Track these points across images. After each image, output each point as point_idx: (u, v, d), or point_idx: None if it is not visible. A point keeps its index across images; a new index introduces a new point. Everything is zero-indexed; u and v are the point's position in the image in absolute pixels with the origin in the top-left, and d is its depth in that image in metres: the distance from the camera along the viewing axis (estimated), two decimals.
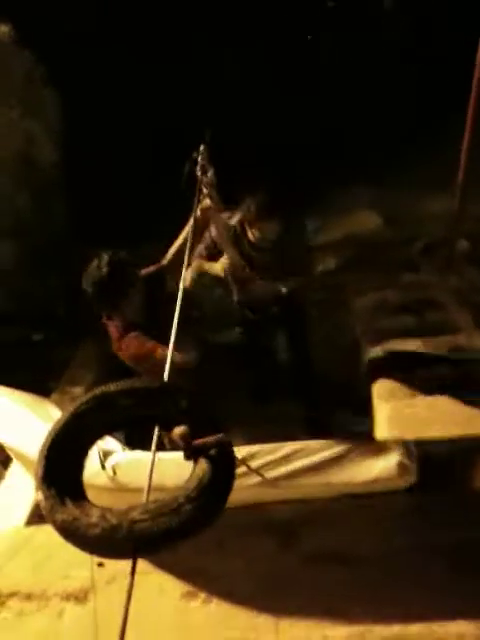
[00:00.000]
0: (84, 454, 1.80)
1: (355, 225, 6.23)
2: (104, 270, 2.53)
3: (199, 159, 2.76)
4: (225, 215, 3.10)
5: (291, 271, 3.06)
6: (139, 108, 6.45)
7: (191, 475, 1.71)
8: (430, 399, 3.18)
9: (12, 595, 2.47)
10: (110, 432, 2.01)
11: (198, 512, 1.63)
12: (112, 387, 1.78)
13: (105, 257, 2.57)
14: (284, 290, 3.08)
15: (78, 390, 3.85)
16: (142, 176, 6.30)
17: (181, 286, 2.26)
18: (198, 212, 2.70)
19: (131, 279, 2.61)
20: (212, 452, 1.71)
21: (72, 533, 1.61)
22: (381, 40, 7.69)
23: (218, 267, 3.04)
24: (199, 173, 2.74)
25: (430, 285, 4.93)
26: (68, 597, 2.44)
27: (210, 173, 2.76)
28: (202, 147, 2.79)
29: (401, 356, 3.12)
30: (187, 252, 2.40)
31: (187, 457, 1.75)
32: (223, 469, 1.71)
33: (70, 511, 1.61)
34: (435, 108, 6.74)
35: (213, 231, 3.05)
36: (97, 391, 1.78)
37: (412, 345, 3.92)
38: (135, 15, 6.45)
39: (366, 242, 5.83)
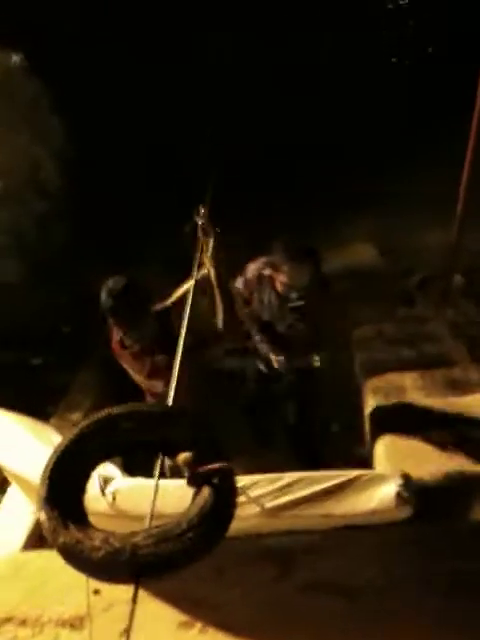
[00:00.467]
0: (86, 477, 1.81)
1: (352, 257, 6.30)
2: (123, 283, 2.67)
3: (199, 222, 2.72)
4: (252, 267, 3.14)
5: (324, 334, 3.10)
6: (142, 133, 6.56)
7: (193, 502, 1.72)
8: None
9: (7, 621, 2.44)
10: (113, 456, 2.01)
11: (200, 539, 1.64)
12: (116, 410, 1.80)
13: (122, 276, 2.71)
14: (317, 363, 3.12)
15: (77, 415, 3.87)
16: (144, 199, 6.37)
17: (186, 313, 2.30)
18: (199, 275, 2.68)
19: (148, 297, 2.71)
20: (215, 480, 1.72)
21: (74, 556, 1.62)
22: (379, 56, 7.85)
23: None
24: (200, 235, 2.71)
25: (426, 318, 5.00)
26: (63, 624, 2.41)
27: (211, 239, 2.71)
28: (202, 210, 2.75)
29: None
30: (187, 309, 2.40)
31: (190, 484, 1.77)
32: (225, 497, 1.73)
33: (73, 534, 1.62)
34: (435, 138, 6.85)
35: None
36: (101, 414, 1.79)
37: (409, 379, 3.99)
38: (139, 43, 6.60)
39: (363, 274, 5.90)
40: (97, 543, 1.60)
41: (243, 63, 7.04)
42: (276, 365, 3.14)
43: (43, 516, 1.64)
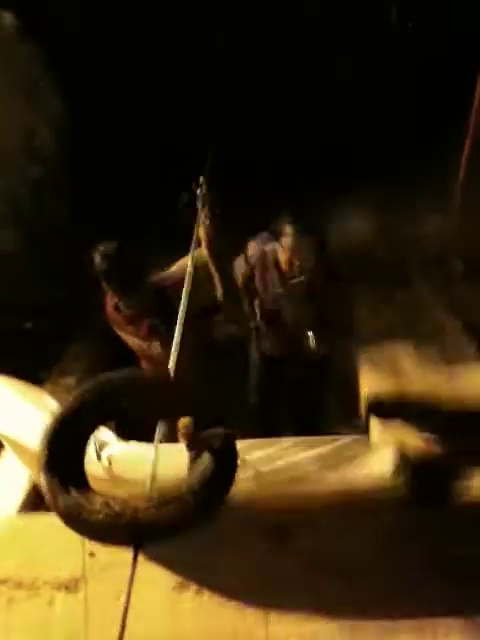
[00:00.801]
0: (85, 442, 1.81)
1: (350, 239, 6.27)
2: (117, 247, 2.71)
3: (198, 191, 2.72)
4: (253, 244, 3.09)
5: (334, 319, 3.04)
6: (141, 101, 6.45)
7: (194, 467, 1.73)
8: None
9: (2, 583, 2.46)
10: (111, 421, 2.01)
11: (201, 504, 1.65)
12: (117, 375, 1.79)
13: (114, 241, 2.73)
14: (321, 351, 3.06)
15: (71, 381, 3.86)
16: (141, 168, 6.30)
17: (187, 280, 2.29)
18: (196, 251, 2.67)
19: (141, 262, 2.73)
20: (215, 445, 1.73)
21: (75, 519, 1.63)
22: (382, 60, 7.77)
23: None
24: (199, 205, 2.71)
25: (425, 302, 5.02)
26: (59, 586, 2.43)
27: (206, 209, 2.71)
28: (202, 179, 2.75)
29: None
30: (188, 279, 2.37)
31: (190, 449, 1.77)
32: (226, 462, 1.73)
33: (73, 498, 1.63)
34: (434, 127, 6.81)
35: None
36: (100, 379, 1.78)
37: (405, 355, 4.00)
38: (143, 7, 6.45)
39: (361, 257, 5.88)
40: (97, 507, 1.61)
41: (246, 58, 6.94)
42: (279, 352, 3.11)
43: (43, 480, 1.64)
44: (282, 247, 2.94)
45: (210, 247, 2.69)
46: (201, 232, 2.65)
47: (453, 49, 6.96)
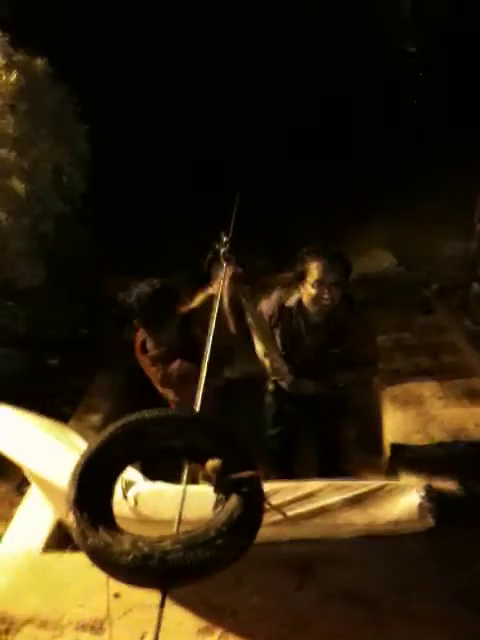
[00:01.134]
0: (114, 480, 1.82)
1: (370, 265, 6.30)
2: (155, 286, 2.66)
3: (221, 251, 2.67)
4: (266, 305, 3.03)
5: (358, 355, 2.93)
6: (165, 143, 6.62)
7: (221, 509, 1.73)
8: None
9: (27, 622, 2.45)
10: (139, 460, 2.02)
11: (228, 547, 1.64)
12: (146, 414, 1.81)
13: (155, 280, 2.71)
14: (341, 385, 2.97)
15: (95, 418, 3.89)
16: (166, 209, 6.42)
17: (216, 305, 2.32)
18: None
19: (177, 301, 2.72)
20: (243, 488, 1.73)
21: (103, 559, 1.62)
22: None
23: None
24: (223, 262, 2.66)
25: (445, 327, 4.99)
26: (83, 627, 2.42)
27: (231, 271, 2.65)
28: (224, 238, 2.70)
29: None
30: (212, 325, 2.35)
31: (218, 491, 1.77)
32: (253, 505, 1.73)
33: (102, 537, 1.62)
34: (455, 152, 6.87)
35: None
36: (131, 418, 1.79)
37: (427, 389, 3.97)
38: (164, 55, 6.68)
39: (381, 283, 5.90)
40: (126, 547, 1.60)
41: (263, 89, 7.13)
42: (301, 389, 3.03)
43: (72, 518, 1.65)
44: (309, 286, 2.79)
45: (231, 302, 2.69)
46: (215, 288, 2.65)
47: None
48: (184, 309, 2.89)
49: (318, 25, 7.44)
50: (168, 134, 6.92)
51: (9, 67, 4.22)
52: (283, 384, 3.06)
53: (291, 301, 2.96)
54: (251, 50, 7.16)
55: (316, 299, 2.81)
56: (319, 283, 2.76)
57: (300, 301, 2.93)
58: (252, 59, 7.18)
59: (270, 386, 3.18)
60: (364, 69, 7.86)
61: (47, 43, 4.81)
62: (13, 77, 4.14)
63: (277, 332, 3.00)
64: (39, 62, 4.64)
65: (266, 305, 3.03)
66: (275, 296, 3.04)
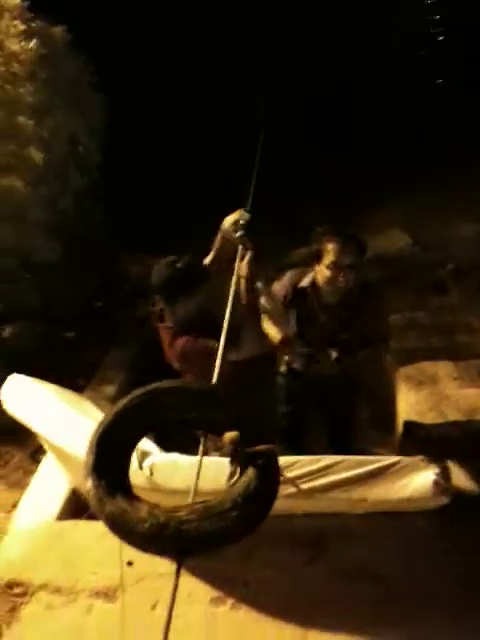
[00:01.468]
0: (132, 450, 1.82)
1: (386, 245, 6.26)
2: (180, 265, 2.59)
3: (238, 233, 2.62)
4: (278, 289, 3.00)
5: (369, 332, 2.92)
6: (181, 114, 6.56)
7: (237, 481, 1.73)
8: None
9: (42, 588, 2.49)
10: (156, 430, 2.02)
11: (243, 519, 1.65)
12: (165, 384, 1.81)
13: (185, 256, 2.64)
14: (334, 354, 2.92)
15: (110, 389, 3.91)
16: (181, 184, 6.38)
17: (233, 286, 2.30)
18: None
19: (202, 278, 2.65)
20: (260, 461, 1.73)
21: (120, 526, 1.63)
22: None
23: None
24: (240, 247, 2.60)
25: (460, 308, 4.96)
26: (97, 594, 2.45)
27: (249, 255, 2.60)
28: (242, 220, 2.64)
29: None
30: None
31: (234, 463, 1.77)
32: (269, 478, 1.73)
33: (119, 504, 1.63)
34: (470, 134, 6.79)
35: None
36: (150, 387, 1.79)
37: (442, 368, 3.95)
38: (186, 24, 6.59)
39: (396, 263, 5.86)
40: (143, 515, 1.61)
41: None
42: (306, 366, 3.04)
43: (90, 485, 1.65)
44: (324, 267, 2.79)
45: (248, 282, 2.66)
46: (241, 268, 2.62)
47: None
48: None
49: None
50: (184, 109, 6.86)
51: (28, 34, 4.17)
52: (296, 365, 3.07)
53: (305, 282, 2.94)
54: (279, 29, 7.10)
55: (331, 280, 2.80)
56: (334, 265, 2.76)
57: (314, 282, 2.91)
58: (279, 35, 7.12)
59: (282, 367, 3.17)
60: (385, 52, 7.80)
61: (65, 11, 4.75)
62: (32, 44, 4.10)
63: (291, 313, 2.99)
64: (57, 29, 4.59)
65: (279, 286, 3.02)
66: (287, 277, 3.03)
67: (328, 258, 2.76)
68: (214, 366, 2.06)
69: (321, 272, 2.82)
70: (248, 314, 2.70)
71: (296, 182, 6.66)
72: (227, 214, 2.75)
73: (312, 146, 7.12)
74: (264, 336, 2.85)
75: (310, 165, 6.92)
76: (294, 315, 2.99)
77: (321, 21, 7.49)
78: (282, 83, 6.80)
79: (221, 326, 2.18)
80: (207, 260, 2.83)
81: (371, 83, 7.71)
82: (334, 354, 2.93)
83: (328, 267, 2.77)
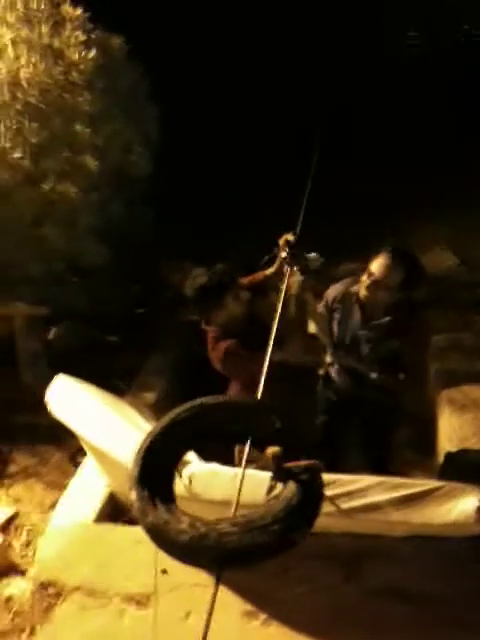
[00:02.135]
0: (175, 461, 1.84)
1: (430, 264, 6.18)
2: (210, 277, 2.70)
3: (283, 254, 2.70)
4: (335, 288, 3.03)
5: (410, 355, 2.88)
6: (233, 128, 6.62)
7: (279, 496, 1.73)
8: None
9: (76, 589, 2.52)
10: (201, 443, 2.03)
11: (284, 534, 1.65)
12: (211, 400, 1.82)
13: (219, 267, 2.74)
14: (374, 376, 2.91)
15: (150, 396, 3.94)
16: (227, 195, 6.43)
17: (282, 297, 2.32)
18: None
19: (231, 289, 2.74)
20: (303, 476, 1.72)
21: (161, 536, 1.65)
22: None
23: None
24: (286, 266, 2.67)
25: None
26: (130, 599, 2.47)
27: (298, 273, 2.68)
28: (291, 238, 2.71)
29: None
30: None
31: (276, 478, 1.77)
32: (312, 494, 1.73)
33: (161, 515, 1.65)
34: None
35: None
36: (196, 402, 1.82)
37: None
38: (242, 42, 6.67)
39: (441, 282, 5.78)
40: (183, 526, 1.62)
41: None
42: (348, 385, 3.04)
43: (134, 493, 1.68)
44: (368, 274, 2.77)
45: (296, 298, 2.70)
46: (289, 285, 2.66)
47: None
48: (246, 282, 2.93)
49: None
50: (235, 121, 6.91)
51: (88, 44, 4.26)
52: (335, 376, 3.07)
53: (355, 288, 2.93)
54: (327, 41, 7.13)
55: (368, 295, 2.81)
56: (374, 280, 2.75)
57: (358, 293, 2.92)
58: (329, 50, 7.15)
59: (321, 371, 3.16)
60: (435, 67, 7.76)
61: (125, 22, 4.84)
62: (92, 54, 4.19)
63: (335, 318, 3.00)
64: (116, 40, 4.68)
65: (333, 289, 3.05)
66: (343, 282, 3.05)
67: (370, 272, 2.76)
68: (254, 374, 2.08)
69: (363, 284, 2.82)
70: (293, 328, 2.72)
71: (342, 197, 6.64)
72: (272, 226, 2.82)
73: (362, 161, 7.10)
74: (308, 348, 2.88)
75: (360, 180, 6.90)
76: (337, 321, 3.00)
77: (372, 38, 7.48)
78: (336, 100, 6.83)
79: (266, 334, 2.20)
80: (268, 271, 2.94)
81: (419, 98, 7.67)
82: (374, 375, 2.90)
83: (368, 280, 2.77)
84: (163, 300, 5.43)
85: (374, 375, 2.89)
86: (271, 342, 2.19)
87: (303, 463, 1.74)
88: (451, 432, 3.54)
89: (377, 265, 2.73)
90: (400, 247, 2.79)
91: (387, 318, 2.84)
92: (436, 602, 2.35)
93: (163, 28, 6.33)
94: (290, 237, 2.73)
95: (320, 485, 1.77)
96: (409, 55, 7.93)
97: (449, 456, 3.28)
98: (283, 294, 2.49)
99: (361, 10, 7.37)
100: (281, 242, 2.75)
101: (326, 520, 2.37)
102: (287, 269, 2.66)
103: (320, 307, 3.06)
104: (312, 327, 2.87)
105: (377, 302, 2.83)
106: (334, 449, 3.34)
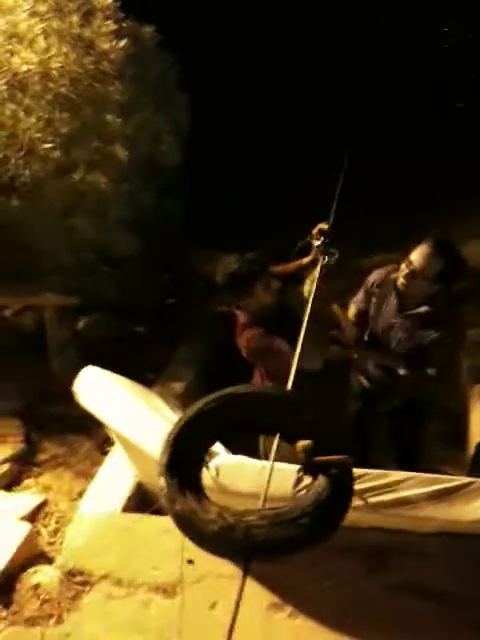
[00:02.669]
0: (205, 451, 1.83)
1: (467, 256, 6.07)
2: (241, 265, 2.69)
3: (317, 242, 2.70)
4: (377, 273, 3.00)
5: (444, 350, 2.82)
6: (264, 117, 6.58)
7: (309, 489, 1.71)
8: None
9: (103, 578, 2.54)
10: (230, 433, 2.02)
11: (313, 528, 1.63)
12: (241, 389, 1.81)
13: (250, 255, 2.73)
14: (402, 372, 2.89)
15: (178, 386, 3.94)
16: (258, 185, 6.40)
17: (308, 288, 2.29)
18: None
19: (261, 277, 2.72)
20: (333, 471, 1.70)
21: (189, 525, 1.64)
22: None
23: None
24: (320, 256, 2.67)
25: None
26: (156, 589, 2.48)
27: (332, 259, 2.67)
28: (326, 227, 2.71)
29: None
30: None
31: (306, 472, 1.75)
32: (342, 489, 1.70)
33: (189, 503, 1.64)
34: None
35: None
36: (226, 391, 1.80)
37: None
38: (275, 30, 6.61)
39: (476, 275, 5.68)
40: (212, 516, 1.61)
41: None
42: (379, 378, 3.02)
43: (163, 482, 1.67)
44: (408, 262, 2.73)
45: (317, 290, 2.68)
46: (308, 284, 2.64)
47: None
48: (278, 271, 2.90)
49: None
50: (266, 111, 6.87)
51: (118, 33, 4.25)
52: (368, 367, 3.07)
53: (394, 275, 2.89)
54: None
55: (405, 283, 2.77)
56: (411, 269, 2.71)
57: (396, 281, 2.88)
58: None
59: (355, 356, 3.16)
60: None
61: (156, 11, 4.83)
62: (122, 43, 4.18)
63: (372, 302, 2.99)
64: (147, 29, 4.66)
65: (375, 273, 3.03)
66: (386, 268, 3.01)
67: (409, 260, 2.72)
68: (279, 365, 2.06)
69: (402, 272, 2.78)
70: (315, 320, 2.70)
71: (378, 189, 6.56)
72: (304, 216, 2.82)
73: (396, 151, 7.00)
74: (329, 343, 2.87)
75: (397, 172, 6.81)
76: (373, 306, 2.99)
77: (410, 32, 7.37)
78: (370, 90, 6.74)
79: (296, 325, 2.18)
80: (304, 261, 2.92)
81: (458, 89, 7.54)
82: (402, 371, 2.87)
83: (407, 269, 2.73)
84: (193, 291, 5.43)
85: (402, 371, 2.86)
86: (301, 339, 2.16)
87: (334, 458, 1.72)
88: None
89: (417, 254, 2.69)
90: (442, 238, 2.72)
91: (424, 308, 2.79)
92: (460, 601, 2.34)
93: (194, 17, 6.30)
94: (324, 226, 2.73)
95: (350, 480, 1.74)
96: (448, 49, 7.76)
97: (478, 452, 3.23)
98: (315, 285, 2.47)
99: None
100: (314, 231, 2.73)
101: (353, 514, 2.37)
102: (322, 258, 2.65)
103: (360, 293, 3.07)
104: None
105: (415, 292, 2.79)
106: (365, 438, 3.32)
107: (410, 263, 2.71)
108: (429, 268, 2.67)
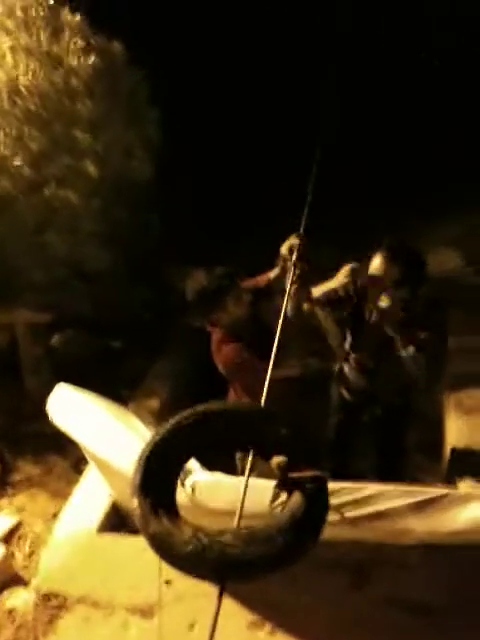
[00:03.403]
0: (179, 469, 1.80)
1: (435, 264, 6.12)
2: (209, 280, 2.67)
3: (292, 254, 2.61)
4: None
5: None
6: (238, 131, 6.58)
7: (284, 507, 1.69)
8: None
9: (79, 601, 2.50)
10: (205, 451, 1.99)
11: (290, 546, 1.61)
12: (214, 406, 1.78)
13: (219, 269, 2.71)
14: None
15: (154, 403, 3.91)
16: (233, 197, 6.40)
17: (285, 303, 2.28)
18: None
19: (231, 291, 2.70)
20: (308, 487, 1.69)
21: (163, 546, 1.60)
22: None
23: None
24: (292, 265, 2.57)
25: None
26: (134, 610, 2.45)
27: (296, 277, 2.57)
28: (298, 240, 2.62)
29: None
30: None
31: (281, 489, 1.73)
32: (318, 506, 1.69)
33: (163, 524, 1.61)
34: None
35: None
36: (199, 408, 1.77)
37: None
38: (244, 42, 6.63)
39: (446, 283, 5.73)
40: (186, 537, 1.58)
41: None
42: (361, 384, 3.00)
43: (136, 503, 1.64)
44: (370, 278, 2.69)
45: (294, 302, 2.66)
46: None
47: None
48: (248, 285, 2.89)
49: None
50: (239, 124, 6.88)
51: (88, 49, 4.25)
52: (349, 375, 3.03)
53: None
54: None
55: (370, 295, 2.74)
56: (371, 278, 2.67)
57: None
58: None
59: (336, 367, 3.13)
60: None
61: (125, 27, 4.82)
62: (91, 59, 4.17)
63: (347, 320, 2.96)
64: (116, 45, 4.66)
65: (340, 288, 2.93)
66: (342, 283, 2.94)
67: (370, 275, 2.68)
68: (256, 380, 2.04)
69: (370, 290, 2.76)
70: (292, 333, 2.68)
71: (351, 192, 6.57)
72: (279, 230, 2.74)
73: (370, 157, 7.04)
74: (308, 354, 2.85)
75: (369, 177, 6.85)
76: (350, 318, 2.95)
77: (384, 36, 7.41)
78: (341, 91, 6.77)
79: (271, 338, 2.17)
80: (272, 275, 2.91)
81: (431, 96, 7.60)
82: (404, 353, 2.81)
83: (370, 283, 2.70)
84: (169, 305, 5.40)
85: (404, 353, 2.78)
86: (275, 347, 2.15)
87: (308, 474, 1.70)
88: (459, 436, 3.50)
89: (374, 266, 2.66)
90: (395, 244, 2.69)
91: (384, 303, 2.73)
92: (442, 612, 2.33)
93: (163, 31, 6.30)
94: (295, 241, 2.64)
95: (326, 496, 1.72)
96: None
97: (455, 460, 3.24)
98: (286, 297, 2.44)
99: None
100: (284, 249, 2.67)
101: (331, 529, 2.36)
102: (291, 271, 2.58)
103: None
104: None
105: (386, 303, 2.73)
106: (346, 450, 3.31)
107: (371, 277, 2.67)
108: (387, 276, 2.63)
